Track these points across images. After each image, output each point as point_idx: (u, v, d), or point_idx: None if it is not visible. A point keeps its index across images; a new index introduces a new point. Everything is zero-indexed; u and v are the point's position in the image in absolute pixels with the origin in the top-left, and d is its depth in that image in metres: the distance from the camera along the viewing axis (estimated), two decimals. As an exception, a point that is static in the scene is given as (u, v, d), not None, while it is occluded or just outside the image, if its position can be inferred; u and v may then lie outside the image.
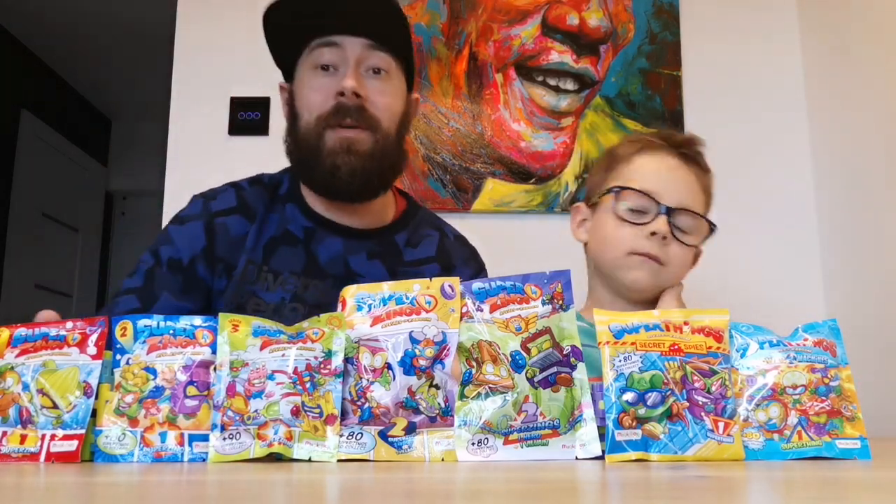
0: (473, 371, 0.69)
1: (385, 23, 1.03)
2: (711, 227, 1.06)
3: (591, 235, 1.10)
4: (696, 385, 0.66)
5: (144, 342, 0.69)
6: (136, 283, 1.06)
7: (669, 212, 1.01)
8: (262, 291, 1.06)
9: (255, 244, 1.08)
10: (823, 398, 0.66)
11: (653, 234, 1.00)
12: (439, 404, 0.68)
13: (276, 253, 1.08)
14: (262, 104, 2.02)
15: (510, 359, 0.69)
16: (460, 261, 1.17)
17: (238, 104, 2.02)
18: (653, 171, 1.05)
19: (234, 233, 1.08)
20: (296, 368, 0.68)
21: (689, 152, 1.08)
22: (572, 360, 0.68)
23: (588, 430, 0.66)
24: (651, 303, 1.03)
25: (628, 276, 1.03)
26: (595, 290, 1.10)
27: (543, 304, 0.71)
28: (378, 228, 1.12)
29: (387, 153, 1.04)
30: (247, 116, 2.01)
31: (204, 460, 0.66)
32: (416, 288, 0.73)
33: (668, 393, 0.65)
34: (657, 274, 1.02)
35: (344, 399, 0.69)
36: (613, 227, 1.04)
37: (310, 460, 0.66)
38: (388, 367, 0.69)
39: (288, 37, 1.06)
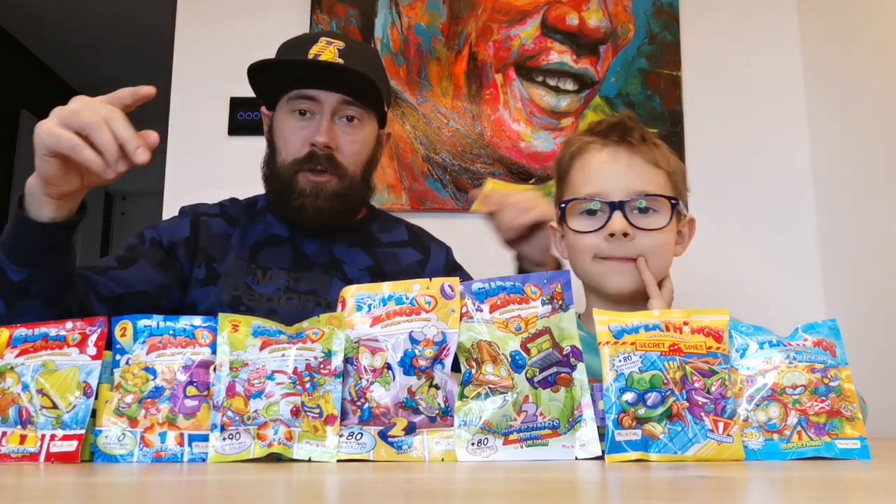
0: (473, 371, 0.69)
1: (361, 85, 1.12)
2: (672, 202, 1.00)
3: (569, 254, 1.07)
4: (696, 385, 0.66)
5: (144, 342, 0.70)
6: (119, 252, 1.14)
7: (621, 206, 0.97)
8: (253, 284, 1.15)
9: (242, 244, 1.18)
10: (823, 398, 0.66)
11: (611, 235, 0.97)
12: (439, 404, 0.68)
13: (262, 252, 1.19)
14: (262, 104, 2.02)
15: (510, 359, 0.69)
16: (434, 244, 1.29)
17: (238, 104, 2.02)
18: (591, 171, 1.02)
19: (215, 230, 1.19)
20: (295, 368, 0.68)
21: (619, 136, 1.02)
22: (572, 360, 0.68)
23: (588, 431, 0.66)
24: (643, 301, 0.99)
25: (609, 283, 1.00)
26: (589, 301, 1.08)
27: (543, 304, 0.71)
28: (351, 224, 1.24)
29: (352, 193, 1.16)
30: (246, 116, 2.01)
31: (204, 460, 0.66)
32: (415, 288, 0.73)
33: (668, 393, 0.65)
34: (637, 273, 0.99)
35: (344, 399, 0.69)
36: (576, 239, 1.02)
37: (310, 460, 0.66)
38: (388, 367, 0.69)
39: (271, 87, 1.18)
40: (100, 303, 1.01)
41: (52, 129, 0.80)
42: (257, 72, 1.15)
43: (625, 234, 0.97)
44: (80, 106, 0.81)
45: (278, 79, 1.16)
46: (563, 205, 1.02)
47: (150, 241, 1.15)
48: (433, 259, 1.26)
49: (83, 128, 0.79)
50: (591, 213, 1.00)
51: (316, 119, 1.14)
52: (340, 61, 1.11)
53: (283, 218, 1.20)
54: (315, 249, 1.20)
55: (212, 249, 1.17)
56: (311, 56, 1.12)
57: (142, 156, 0.80)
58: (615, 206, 0.98)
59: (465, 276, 1.26)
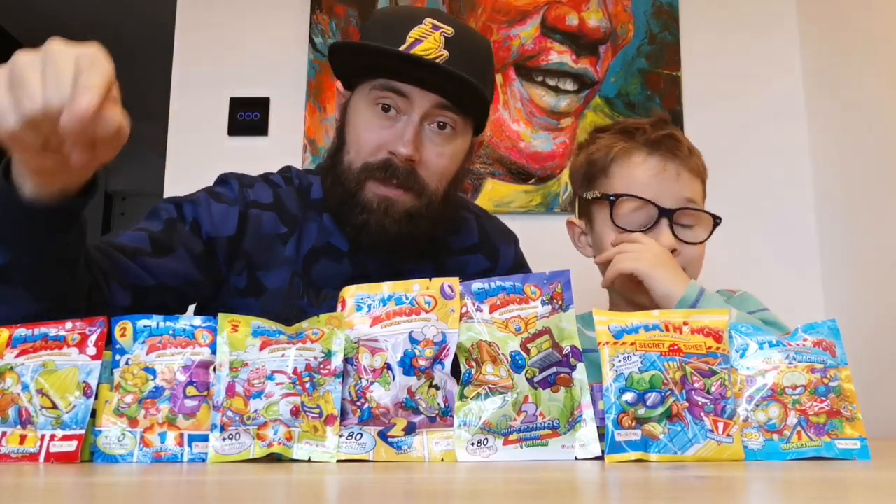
0: (473, 371, 0.69)
1: (463, 88, 0.92)
2: (716, 220, 1.01)
3: (595, 251, 1.05)
4: (696, 385, 0.66)
5: (144, 342, 0.69)
6: (153, 227, 0.94)
7: (670, 214, 0.97)
8: (308, 308, 1.00)
9: (297, 255, 1.01)
10: (823, 398, 0.66)
11: None
12: (439, 404, 0.68)
13: (317, 264, 1.01)
14: (262, 104, 2.02)
15: (510, 359, 0.69)
16: (503, 242, 1.14)
17: (237, 104, 2.02)
18: (639, 182, 0.99)
19: (266, 230, 1.00)
20: (295, 369, 0.68)
21: (668, 149, 1.00)
22: (572, 360, 0.68)
23: (587, 431, 0.66)
24: None
25: (641, 297, 0.97)
26: (613, 300, 1.06)
27: (543, 304, 0.71)
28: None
29: (427, 215, 0.96)
30: (246, 117, 2.01)
31: (203, 461, 0.66)
32: (415, 288, 0.73)
33: (668, 393, 0.65)
34: None
35: (343, 399, 0.69)
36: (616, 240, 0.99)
37: (309, 461, 0.66)
38: (388, 367, 0.69)
39: (353, 70, 0.98)
40: (122, 290, 0.86)
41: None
42: (340, 54, 0.96)
43: (672, 251, 0.97)
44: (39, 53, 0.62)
45: (364, 64, 0.95)
46: (611, 197, 0.99)
47: (190, 224, 0.96)
48: (500, 265, 1.13)
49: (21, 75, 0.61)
50: (636, 220, 0.99)
51: (401, 121, 0.94)
52: (444, 53, 0.91)
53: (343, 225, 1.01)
54: (379, 265, 1.01)
55: (256, 255, 0.99)
56: (410, 39, 0.91)
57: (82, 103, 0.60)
58: (665, 212, 0.97)
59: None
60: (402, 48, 0.92)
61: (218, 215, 0.97)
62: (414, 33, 0.92)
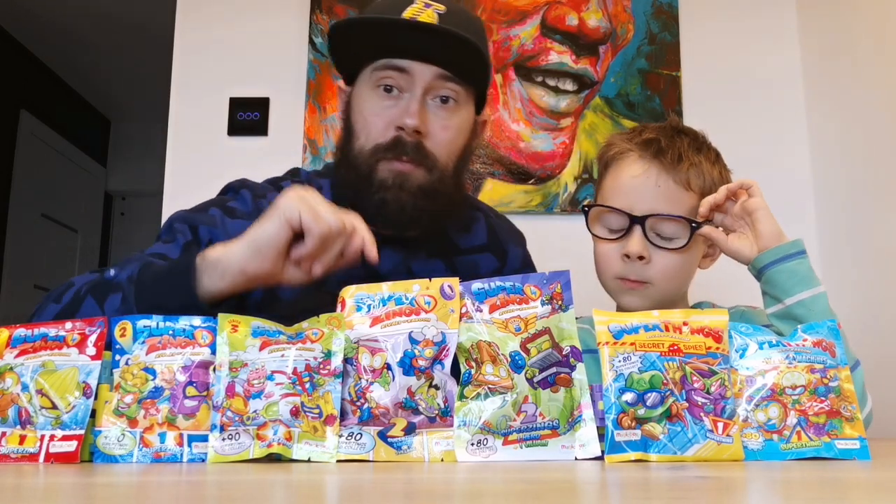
0: (473, 371, 0.69)
1: (460, 51, 0.94)
2: (693, 226, 0.96)
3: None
4: (696, 385, 0.66)
5: (144, 343, 0.69)
6: (171, 254, 0.94)
7: (641, 221, 0.95)
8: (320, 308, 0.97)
9: None
10: (822, 398, 0.66)
11: (626, 256, 0.95)
12: (438, 405, 0.68)
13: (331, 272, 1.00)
14: (261, 104, 2.02)
15: (509, 359, 0.69)
16: (512, 242, 1.14)
17: (237, 104, 2.02)
18: (621, 184, 0.99)
19: None
20: (295, 369, 0.68)
21: (654, 154, 0.99)
22: (571, 360, 0.68)
23: (587, 431, 0.66)
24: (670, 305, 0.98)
25: (622, 301, 1.00)
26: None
27: (543, 304, 0.71)
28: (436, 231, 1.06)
29: (442, 190, 0.96)
30: (246, 117, 2.01)
31: (203, 461, 0.66)
32: (415, 288, 0.73)
33: (668, 393, 0.65)
34: (649, 296, 0.97)
35: (343, 399, 0.69)
36: (598, 246, 1.01)
37: (309, 461, 0.66)
38: (388, 367, 0.69)
39: (354, 51, 0.99)
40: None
41: (314, 205, 0.79)
42: (340, 33, 0.97)
43: (640, 258, 0.95)
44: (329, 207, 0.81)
45: (364, 43, 0.97)
46: (585, 209, 1.00)
47: (205, 245, 0.96)
48: (508, 266, 1.12)
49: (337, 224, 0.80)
50: (613, 226, 0.99)
51: (405, 97, 0.96)
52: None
53: None
54: (390, 266, 0.99)
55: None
56: (405, 17, 0.93)
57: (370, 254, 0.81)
58: (635, 220, 0.96)
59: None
60: None
61: (235, 233, 0.91)
62: (408, 12, 0.93)
